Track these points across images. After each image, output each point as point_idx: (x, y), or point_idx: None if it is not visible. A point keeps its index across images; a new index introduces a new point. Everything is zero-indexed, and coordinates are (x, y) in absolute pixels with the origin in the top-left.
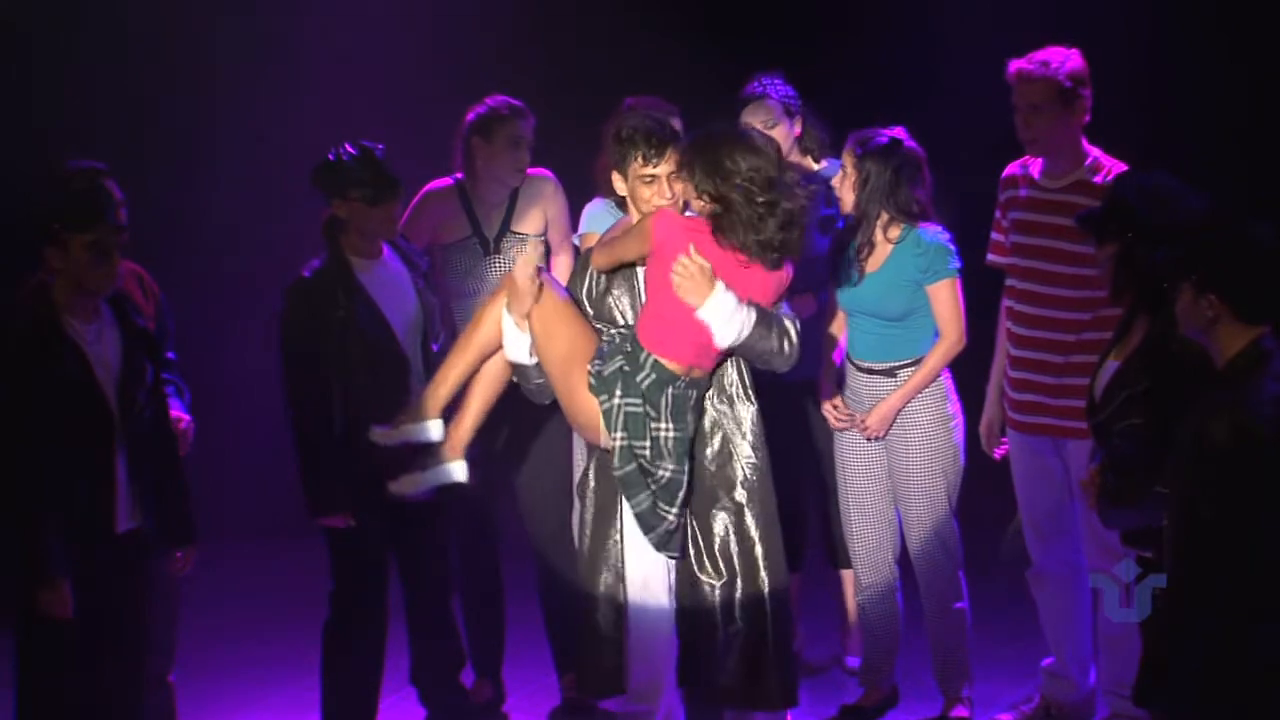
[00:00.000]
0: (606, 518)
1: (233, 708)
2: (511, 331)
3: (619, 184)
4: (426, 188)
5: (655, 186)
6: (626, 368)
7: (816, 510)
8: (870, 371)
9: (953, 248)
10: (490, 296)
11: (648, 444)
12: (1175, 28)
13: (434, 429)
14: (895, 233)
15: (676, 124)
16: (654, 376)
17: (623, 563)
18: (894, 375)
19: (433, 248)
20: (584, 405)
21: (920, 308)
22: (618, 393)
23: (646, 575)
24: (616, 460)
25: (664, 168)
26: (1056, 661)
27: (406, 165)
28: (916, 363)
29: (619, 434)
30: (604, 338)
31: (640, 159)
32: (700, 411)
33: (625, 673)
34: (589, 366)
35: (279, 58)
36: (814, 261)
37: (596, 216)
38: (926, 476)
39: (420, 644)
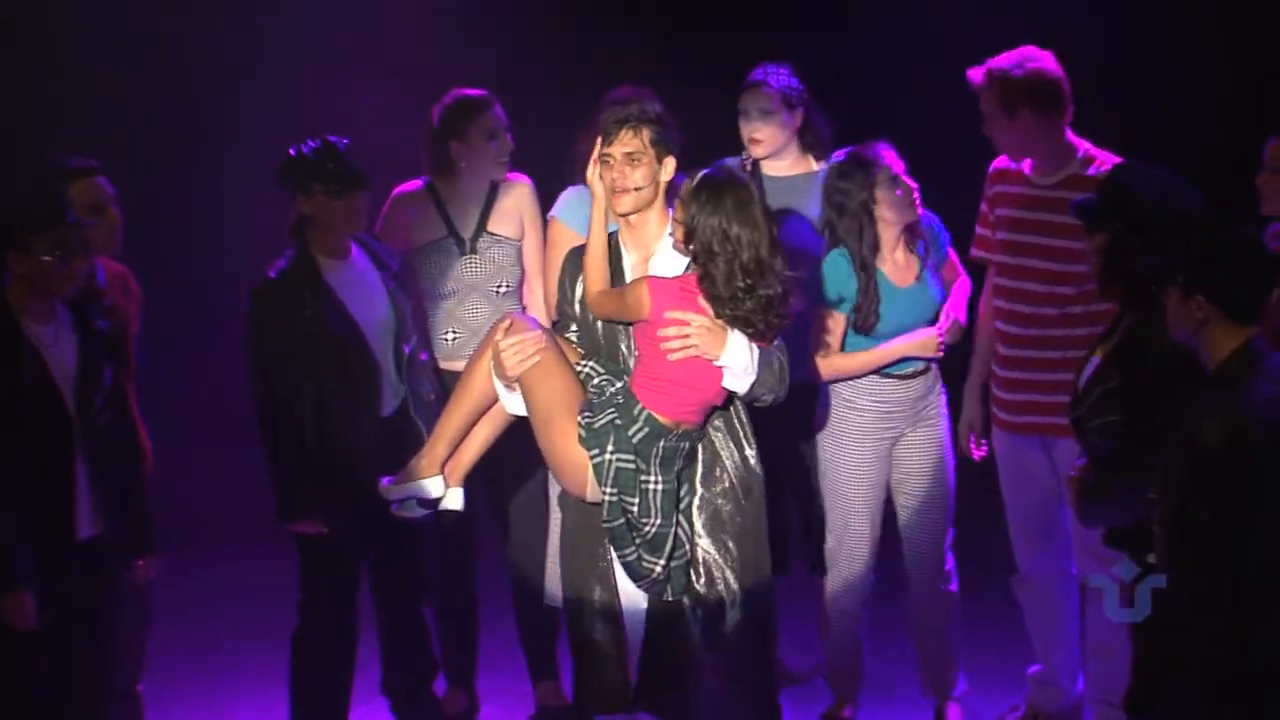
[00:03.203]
0: (590, 532)
1: (202, 717)
2: (503, 392)
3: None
4: (395, 191)
5: (608, 169)
6: (619, 421)
7: (800, 517)
8: (913, 376)
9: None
10: (477, 353)
11: (637, 499)
12: (1175, 27)
13: (435, 486)
14: (913, 256)
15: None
16: (646, 430)
17: (614, 576)
18: (929, 370)
19: (407, 251)
20: (571, 456)
21: None
22: (609, 447)
23: (632, 587)
24: (606, 514)
25: (617, 148)
26: (1044, 669)
27: (397, 167)
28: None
29: (609, 489)
30: (591, 385)
31: (601, 139)
32: (692, 457)
33: (630, 688)
34: (579, 419)
35: (275, 57)
36: (804, 256)
37: (572, 204)
38: (940, 449)
39: (392, 653)
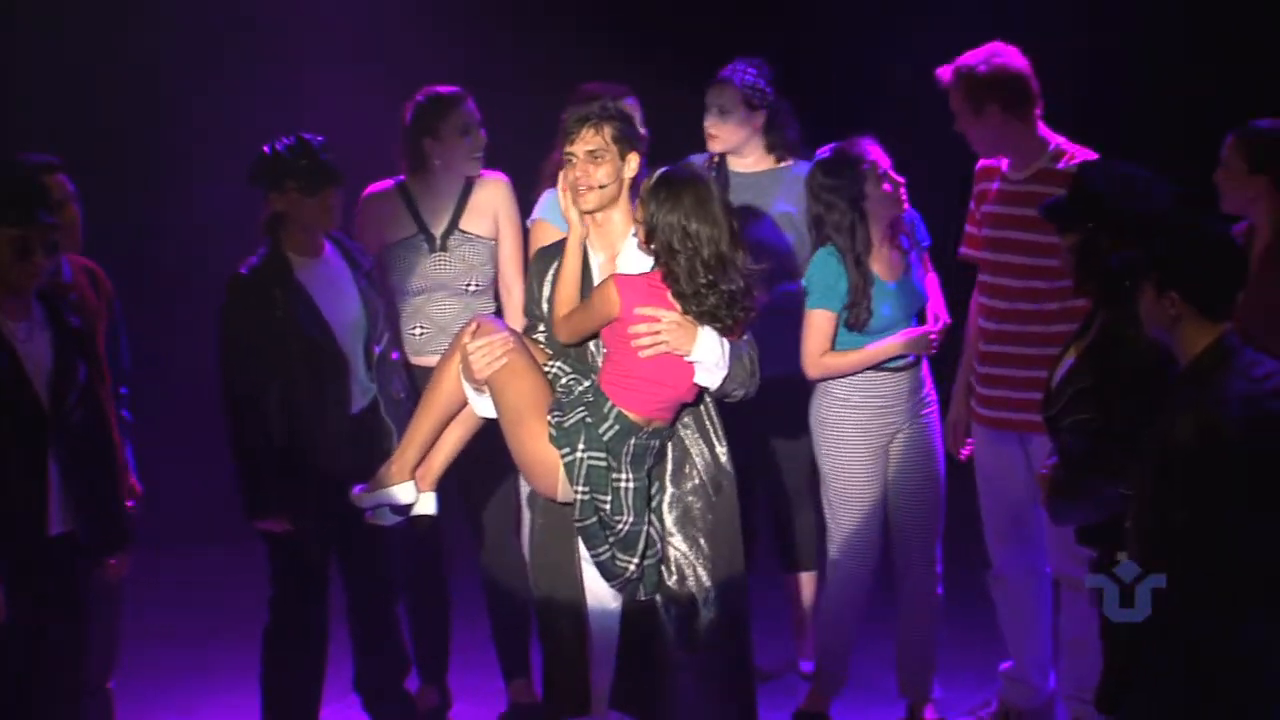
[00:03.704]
0: (560, 533)
1: (172, 715)
2: (472, 394)
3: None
4: (366, 191)
5: (571, 168)
6: (589, 419)
7: (770, 513)
8: (905, 369)
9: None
10: (445, 357)
11: (609, 497)
12: (1174, 26)
13: (405, 492)
14: (898, 252)
15: (631, 103)
16: (617, 428)
17: (582, 577)
18: (919, 363)
19: (379, 249)
20: (542, 456)
21: None
22: (580, 446)
23: (602, 588)
24: (578, 513)
25: (579, 146)
26: (1016, 666)
27: (394, 166)
28: None
29: (581, 487)
30: (559, 385)
31: (563, 138)
32: (662, 454)
33: (590, 690)
34: (549, 418)
35: (275, 57)
36: (769, 250)
37: (555, 204)
38: (933, 448)
39: (364, 650)
